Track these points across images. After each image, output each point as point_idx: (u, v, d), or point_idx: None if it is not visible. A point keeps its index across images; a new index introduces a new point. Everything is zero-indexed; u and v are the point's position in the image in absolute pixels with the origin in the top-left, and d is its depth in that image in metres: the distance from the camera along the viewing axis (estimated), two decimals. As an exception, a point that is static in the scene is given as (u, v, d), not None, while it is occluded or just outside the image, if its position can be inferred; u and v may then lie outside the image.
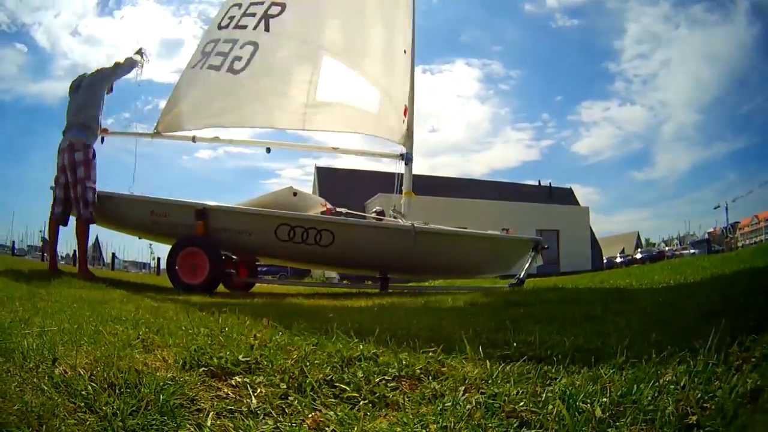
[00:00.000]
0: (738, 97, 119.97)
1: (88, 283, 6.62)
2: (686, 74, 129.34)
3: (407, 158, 9.55)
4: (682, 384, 1.69)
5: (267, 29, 9.02)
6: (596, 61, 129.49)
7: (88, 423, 1.53)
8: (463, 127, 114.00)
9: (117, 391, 1.72)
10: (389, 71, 9.55)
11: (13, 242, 52.01)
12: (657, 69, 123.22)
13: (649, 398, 1.61)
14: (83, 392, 1.67)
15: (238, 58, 9.02)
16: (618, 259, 51.59)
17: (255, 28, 9.07)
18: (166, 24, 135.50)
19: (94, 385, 1.73)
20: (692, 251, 45.50)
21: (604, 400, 1.61)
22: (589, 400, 1.61)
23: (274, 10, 9.09)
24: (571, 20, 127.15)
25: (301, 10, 9.27)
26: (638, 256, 51.69)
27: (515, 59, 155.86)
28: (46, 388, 1.69)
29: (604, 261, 49.68)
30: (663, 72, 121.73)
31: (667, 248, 60.27)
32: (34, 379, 1.75)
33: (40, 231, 65.39)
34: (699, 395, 1.59)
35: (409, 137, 9.58)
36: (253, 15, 9.11)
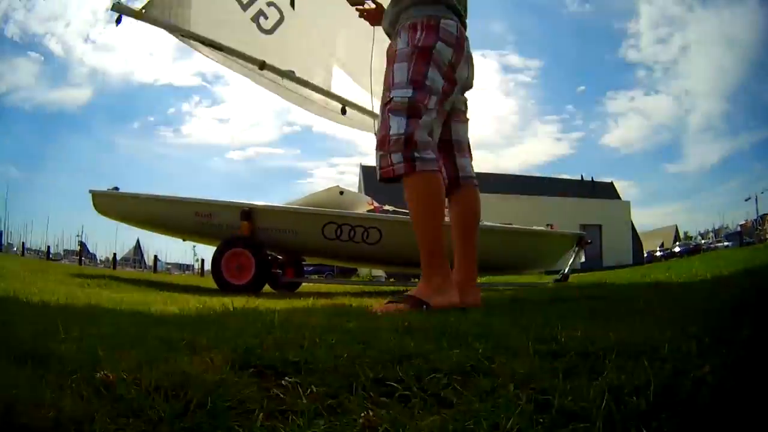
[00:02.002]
0: (759, 85, 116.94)
1: (128, 286, 6.71)
2: (706, 60, 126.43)
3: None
4: (718, 376, 1.70)
5: (292, 5, 8.58)
6: (614, 47, 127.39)
7: (131, 428, 1.51)
8: (491, 121, 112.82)
9: (163, 394, 1.69)
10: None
11: (48, 247, 53.40)
12: (677, 55, 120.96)
13: (689, 390, 1.61)
14: (127, 397, 1.65)
15: (264, 16, 8.51)
16: (658, 253, 52.05)
17: None
18: None
19: (138, 389, 1.71)
20: (726, 244, 45.59)
21: (648, 393, 1.60)
22: (633, 394, 1.61)
23: None
24: (582, 5, 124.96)
25: (320, 7, 8.93)
26: (676, 249, 51.85)
27: (531, 49, 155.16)
28: (85, 393, 1.67)
29: (645, 255, 49.72)
30: (683, 59, 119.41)
31: (703, 241, 60.12)
32: (72, 385, 1.73)
33: (77, 235, 66.93)
34: (732, 386, 1.61)
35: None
36: None
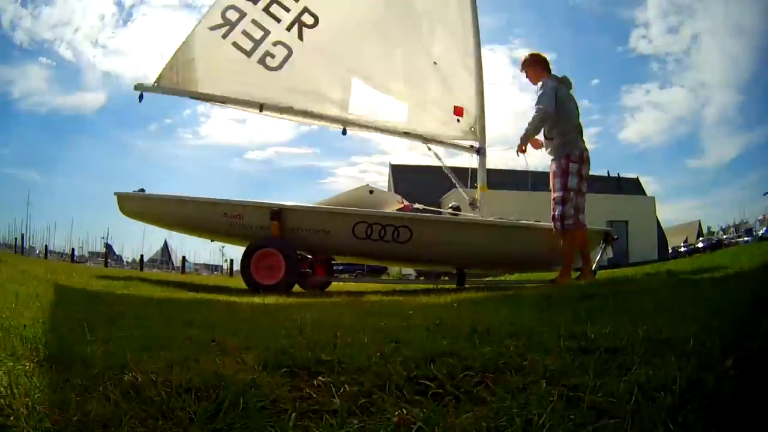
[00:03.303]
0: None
1: (156, 287, 6.75)
2: (717, 50, 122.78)
3: (480, 151, 9.56)
4: (739, 370, 1.75)
5: (300, 37, 9.26)
6: (624, 38, 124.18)
7: (160, 430, 1.52)
8: (510, 117, 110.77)
9: (194, 395, 1.70)
10: (418, 82, 9.98)
11: (73, 249, 53.50)
12: (688, 45, 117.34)
13: (713, 385, 1.65)
14: (156, 398, 1.66)
15: (271, 55, 9.23)
16: (682, 249, 51.74)
17: (289, 29, 9.24)
18: (184, 29, 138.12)
19: (168, 390, 1.71)
20: (746, 239, 45.61)
21: (674, 388, 1.64)
22: (661, 389, 1.65)
23: (308, 19, 9.29)
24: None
25: (333, 28, 9.50)
26: (700, 245, 51.73)
27: (539, 41, 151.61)
28: (113, 396, 1.67)
29: (670, 251, 49.66)
30: (694, 49, 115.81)
31: (724, 236, 59.81)
32: (99, 388, 1.74)
33: (103, 237, 67.52)
34: (754, 378, 1.67)
35: (481, 131, 9.61)
36: (287, 11, 9.21)
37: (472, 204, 9.40)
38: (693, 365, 1.86)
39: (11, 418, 1.49)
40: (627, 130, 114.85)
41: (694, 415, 1.50)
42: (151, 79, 8.91)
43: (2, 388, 1.65)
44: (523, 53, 9.24)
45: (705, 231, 75.16)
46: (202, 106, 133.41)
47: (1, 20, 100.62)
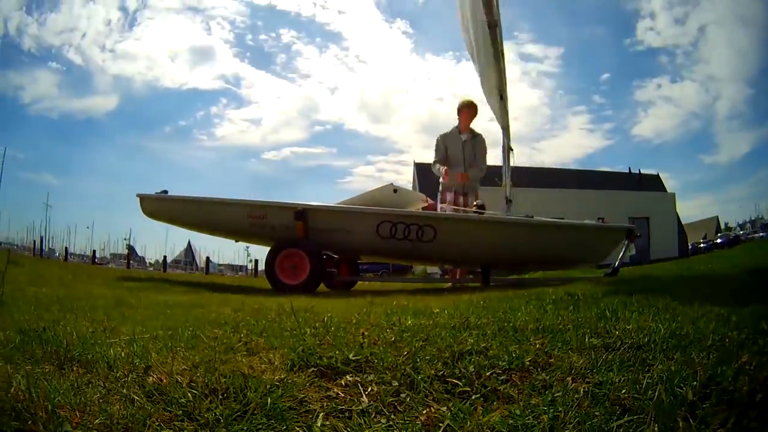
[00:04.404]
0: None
1: (180, 288, 6.79)
2: (725, 42, 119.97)
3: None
4: (754, 364, 1.79)
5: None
6: (631, 30, 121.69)
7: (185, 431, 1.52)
8: (522, 113, 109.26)
9: (220, 396, 1.70)
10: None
11: (94, 251, 53.57)
12: (695, 38, 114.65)
13: (730, 379, 1.69)
14: (181, 400, 1.66)
15: None
16: (701, 245, 51.86)
17: None
18: (190, 32, 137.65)
19: (194, 391, 1.71)
20: (761, 234, 45.72)
21: (694, 383, 1.69)
22: (682, 384, 1.67)
23: None
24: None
25: None
26: (718, 241, 51.80)
27: (545, 37, 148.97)
28: (136, 398, 1.68)
29: (689, 247, 49.72)
30: (702, 41, 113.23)
31: (741, 232, 59.87)
32: (123, 390, 1.74)
33: (125, 239, 67.76)
34: (767, 374, 1.68)
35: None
36: None
37: (509, 201, 9.37)
38: (712, 360, 1.89)
39: (30, 422, 1.49)
40: (640, 126, 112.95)
41: (713, 409, 1.53)
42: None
43: (21, 392, 1.65)
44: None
45: (723, 227, 75.20)
46: (215, 107, 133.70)
47: (7, 27, 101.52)
